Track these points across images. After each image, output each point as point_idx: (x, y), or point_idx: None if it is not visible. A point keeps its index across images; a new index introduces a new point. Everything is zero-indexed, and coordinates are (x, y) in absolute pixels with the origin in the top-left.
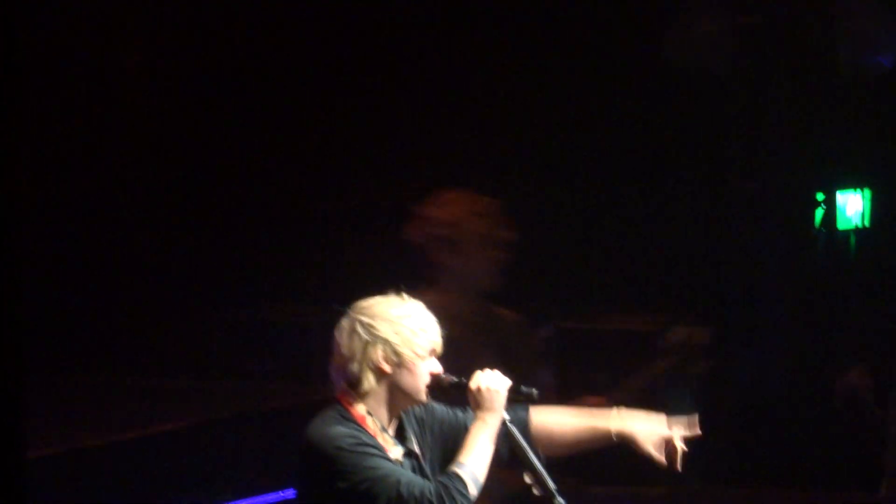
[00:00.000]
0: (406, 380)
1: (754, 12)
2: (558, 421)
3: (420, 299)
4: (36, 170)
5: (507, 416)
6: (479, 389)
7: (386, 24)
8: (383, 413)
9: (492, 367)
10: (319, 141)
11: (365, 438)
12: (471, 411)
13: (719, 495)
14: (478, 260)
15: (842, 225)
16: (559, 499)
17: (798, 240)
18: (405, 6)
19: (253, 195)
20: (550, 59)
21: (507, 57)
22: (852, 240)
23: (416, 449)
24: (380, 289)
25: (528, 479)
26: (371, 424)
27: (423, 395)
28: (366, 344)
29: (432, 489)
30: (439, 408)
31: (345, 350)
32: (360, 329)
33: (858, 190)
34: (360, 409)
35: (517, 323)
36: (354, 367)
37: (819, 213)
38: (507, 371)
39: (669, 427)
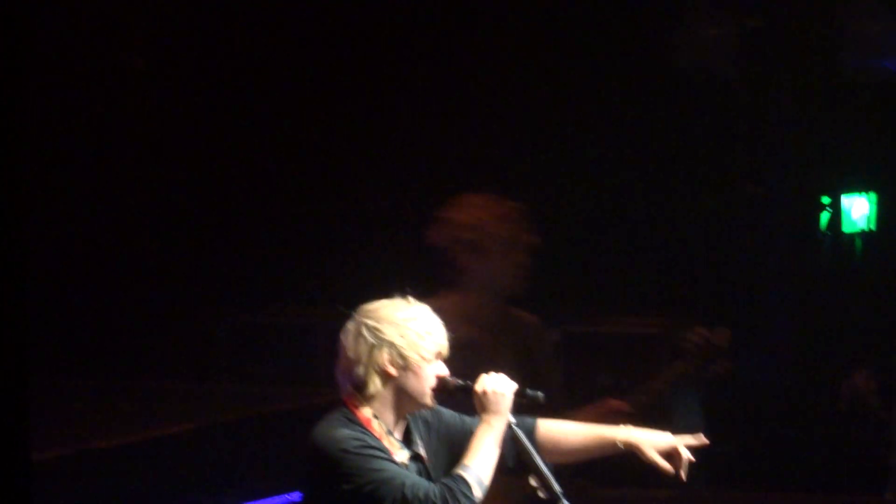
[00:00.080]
0: (412, 383)
1: (759, 16)
2: (564, 429)
3: (443, 302)
4: (41, 173)
5: (512, 420)
6: (484, 392)
7: (393, 23)
8: (389, 416)
9: (513, 370)
10: (323, 143)
11: (370, 441)
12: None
13: (725, 498)
14: (501, 263)
15: (847, 228)
16: (564, 502)
17: (804, 243)
18: (419, 8)
19: (258, 198)
20: (556, 64)
21: (512, 61)
22: (858, 243)
23: (423, 452)
24: (386, 292)
25: (533, 483)
26: (377, 427)
27: (428, 399)
28: (371, 347)
29: (437, 491)
30: (447, 411)
31: (350, 353)
32: (365, 332)
33: (864, 193)
34: (365, 412)
35: (535, 325)
36: (360, 370)
37: (825, 217)
38: (527, 374)
39: (675, 438)
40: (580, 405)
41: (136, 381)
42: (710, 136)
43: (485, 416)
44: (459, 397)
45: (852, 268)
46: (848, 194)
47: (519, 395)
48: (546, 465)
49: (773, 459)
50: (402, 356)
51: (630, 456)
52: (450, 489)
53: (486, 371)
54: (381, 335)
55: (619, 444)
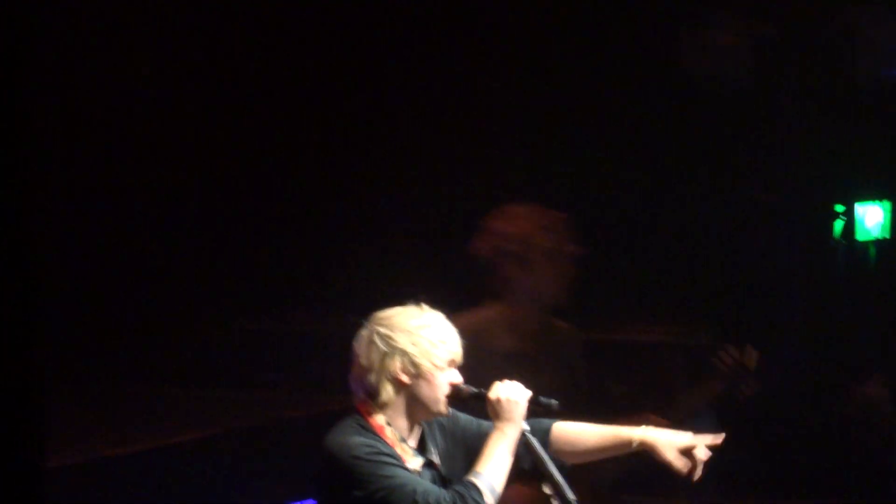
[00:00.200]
0: (424, 391)
1: (773, 24)
2: (579, 429)
3: (488, 312)
4: (48, 180)
5: (526, 428)
6: (498, 400)
7: (407, 29)
8: (402, 423)
9: (554, 381)
10: (335, 149)
11: (382, 448)
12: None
13: None
14: (546, 274)
15: (861, 236)
16: None
17: (817, 251)
18: (431, 11)
19: (268, 203)
20: (567, 70)
21: (522, 67)
22: (872, 251)
23: (436, 459)
24: (399, 299)
25: (547, 491)
26: (389, 434)
27: (441, 406)
28: (384, 355)
29: (448, 498)
30: (463, 416)
31: (363, 361)
32: (378, 340)
33: (878, 201)
34: (378, 419)
35: (573, 334)
36: (373, 377)
37: (838, 225)
38: (567, 384)
39: (692, 438)
40: (612, 416)
41: (146, 389)
42: (723, 143)
43: (498, 424)
44: (473, 405)
45: (866, 276)
46: (862, 202)
47: (533, 403)
48: (560, 471)
49: (786, 467)
50: (414, 364)
51: (644, 457)
52: (461, 496)
53: (530, 382)
54: (393, 343)
55: (634, 444)
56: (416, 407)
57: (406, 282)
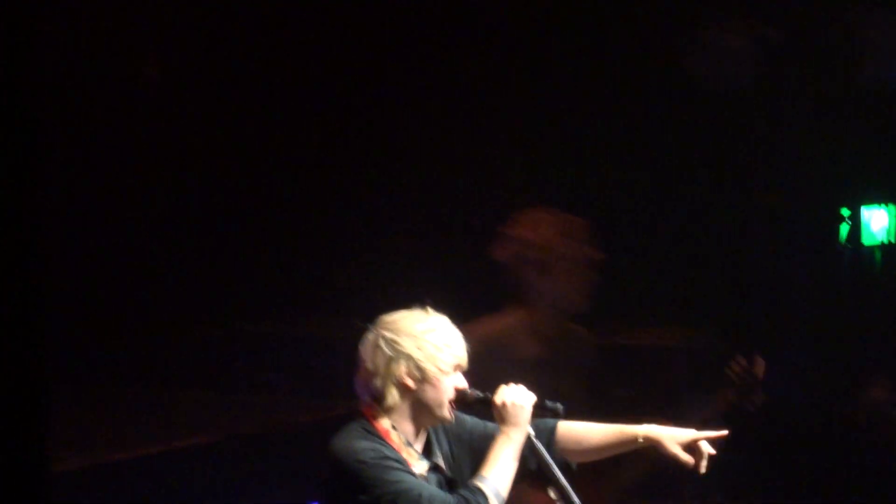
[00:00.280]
0: (430, 395)
1: (777, 27)
2: (586, 427)
3: (509, 318)
4: (52, 182)
5: (532, 432)
6: (503, 405)
7: (413, 34)
8: (408, 427)
9: (574, 387)
10: (338, 151)
11: (387, 452)
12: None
13: None
14: (567, 281)
15: (867, 240)
16: None
17: (823, 255)
18: (441, 16)
19: (274, 206)
20: (573, 74)
21: (527, 69)
22: (877, 255)
23: (442, 464)
24: (405, 302)
25: (552, 495)
26: (395, 438)
27: (446, 411)
28: (389, 359)
29: (454, 502)
30: (469, 419)
31: (369, 365)
32: (383, 344)
33: (884, 205)
34: (384, 423)
35: (589, 339)
36: (378, 382)
37: (844, 229)
38: (586, 389)
39: (696, 432)
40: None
41: (150, 392)
42: (728, 146)
43: (504, 428)
44: (479, 409)
45: (872, 280)
46: (868, 206)
47: (539, 407)
48: (566, 472)
49: (790, 471)
50: (419, 368)
51: (650, 452)
52: (467, 501)
53: (552, 389)
54: (398, 347)
55: (640, 440)
56: (421, 411)
57: (411, 284)
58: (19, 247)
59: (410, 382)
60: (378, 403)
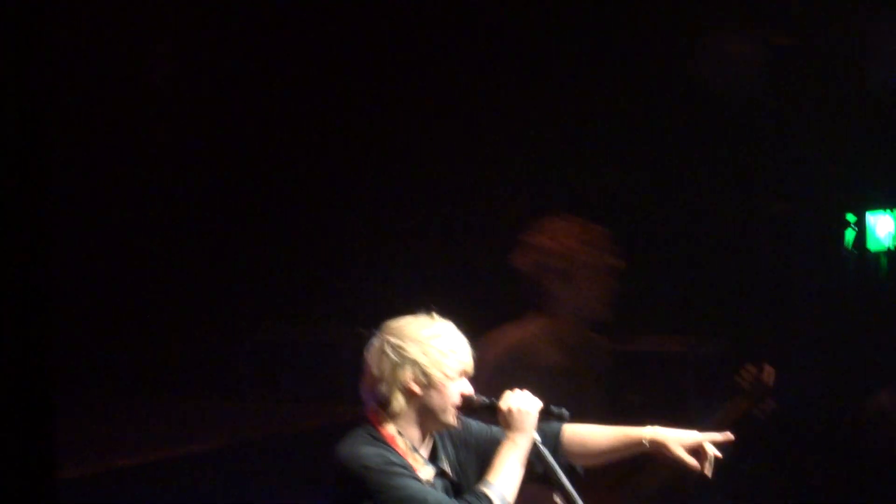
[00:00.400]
0: (436, 401)
1: (786, 33)
2: (591, 431)
3: (531, 326)
4: (61, 193)
5: (537, 438)
6: (509, 410)
7: (421, 42)
8: (414, 433)
9: (595, 395)
10: (349, 161)
11: (393, 458)
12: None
13: None
14: (589, 290)
15: (872, 246)
16: None
17: (829, 261)
18: (453, 23)
19: (283, 215)
20: (582, 82)
21: (539, 79)
22: (883, 261)
23: (448, 469)
24: (410, 308)
25: (558, 500)
26: (401, 444)
27: (452, 417)
28: (395, 365)
29: None
30: (475, 424)
31: (374, 370)
32: (388, 350)
33: (889, 211)
34: (390, 428)
35: (607, 347)
36: (384, 387)
37: (850, 235)
38: (606, 397)
39: (701, 435)
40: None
41: (163, 400)
42: (735, 152)
43: (509, 434)
44: (485, 415)
45: (877, 286)
46: (873, 212)
47: (544, 413)
48: (571, 476)
49: (797, 477)
50: (425, 374)
51: (655, 455)
52: None
53: (575, 398)
54: (404, 353)
55: (645, 443)
56: (427, 417)
57: (418, 288)
58: (26, 254)
59: (416, 388)
60: (384, 409)
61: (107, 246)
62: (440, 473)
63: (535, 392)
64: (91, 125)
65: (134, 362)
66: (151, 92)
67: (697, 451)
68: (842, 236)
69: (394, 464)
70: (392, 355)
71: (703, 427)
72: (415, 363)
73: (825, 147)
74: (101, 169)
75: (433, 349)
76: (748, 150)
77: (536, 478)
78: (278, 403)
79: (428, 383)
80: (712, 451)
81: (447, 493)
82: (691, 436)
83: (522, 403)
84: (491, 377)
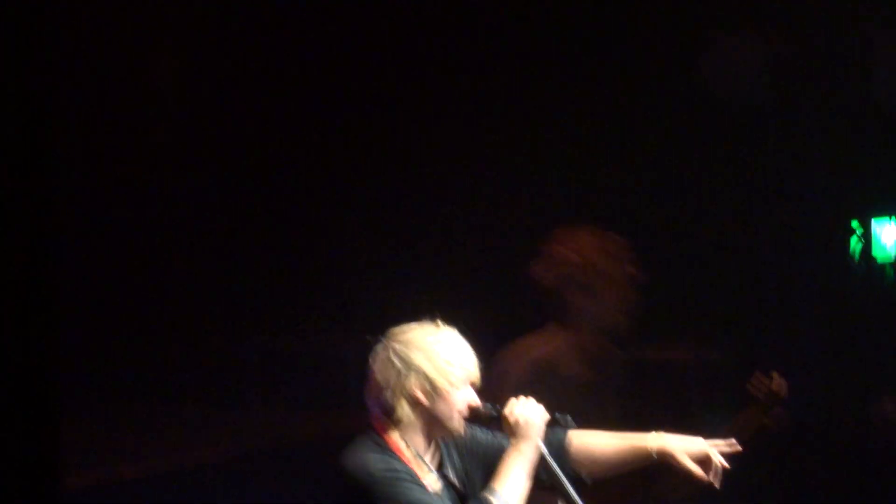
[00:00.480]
0: (440, 409)
1: (791, 39)
2: (598, 441)
3: (553, 337)
4: (67, 200)
5: (543, 448)
6: (515, 419)
7: (437, 40)
8: (419, 441)
9: (614, 406)
10: (352, 167)
11: (398, 466)
12: None
13: None
14: (609, 301)
15: (878, 254)
16: None
17: (833, 269)
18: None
19: (286, 223)
20: (585, 85)
21: (542, 83)
22: (889, 271)
23: (454, 477)
24: (415, 314)
25: None
26: (406, 452)
27: (457, 424)
28: (399, 373)
29: None
30: (480, 432)
31: (379, 378)
32: (394, 357)
33: (894, 219)
34: (394, 436)
35: (621, 357)
36: (388, 395)
37: (855, 243)
38: (622, 407)
39: (707, 444)
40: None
41: (166, 410)
42: (739, 160)
43: (515, 442)
44: (490, 423)
45: (883, 294)
46: (879, 220)
47: (550, 422)
48: (583, 484)
49: (803, 485)
50: (430, 382)
51: (663, 467)
52: None
53: (599, 410)
54: (409, 360)
55: (653, 455)
56: (432, 425)
57: (421, 294)
58: (33, 261)
59: (421, 396)
60: (389, 417)
61: (108, 260)
62: (445, 482)
63: (560, 405)
64: (96, 130)
65: (138, 369)
66: (156, 95)
67: (704, 461)
68: (847, 245)
69: (399, 472)
70: (397, 363)
71: (711, 436)
72: (420, 371)
73: (830, 153)
74: (110, 175)
75: (438, 357)
76: (753, 157)
77: (542, 487)
78: (282, 413)
79: (433, 392)
80: (719, 461)
81: (452, 501)
82: (698, 445)
83: (528, 412)
84: (516, 390)
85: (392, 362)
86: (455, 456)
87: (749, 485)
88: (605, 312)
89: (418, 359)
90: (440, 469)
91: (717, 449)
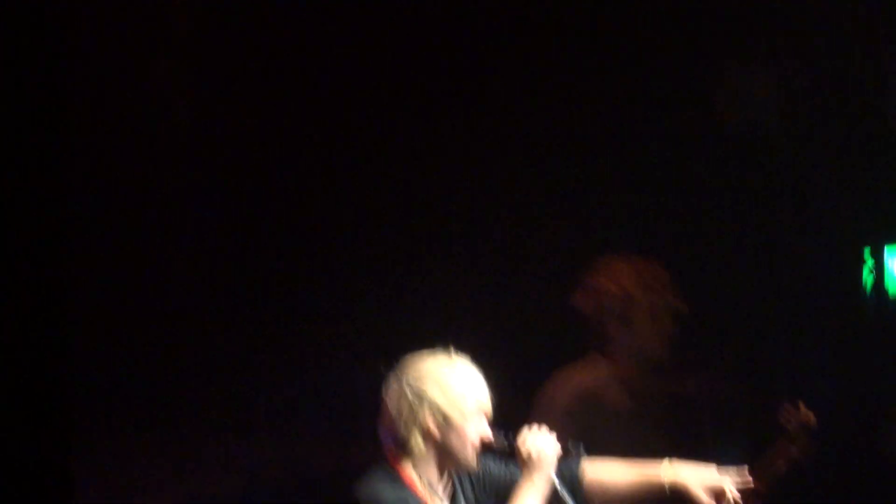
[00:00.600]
0: (453, 441)
1: (804, 66)
2: (611, 474)
3: (594, 367)
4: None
5: (556, 480)
6: (528, 451)
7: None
8: (432, 472)
9: (656, 437)
10: (362, 186)
11: (410, 498)
12: None
13: None
14: (649, 332)
15: (891, 286)
16: None
17: (846, 300)
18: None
19: (300, 244)
20: (595, 109)
21: (554, 101)
22: None
23: None
24: (428, 343)
25: None
26: (418, 484)
27: (470, 455)
28: (412, 405)
29: None
30: (493, 463)
31: (392, 410)
32: (407, 389)
33: None
34: (407, 468)
35: (664, 389)
36: (402, 428)
37: (868, 275)
38: (660, 439)
39: (721, 476)
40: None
41: (178, 440)
42: (750, 188)
43: (527, 473)
44: (503, 455)
45: (894, 322)
46: (891, 249)
47: (563, 454)
48: None
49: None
50: (443, 415)
51: (677, 500)
52: None
53: (644, 441)
54: (422, 393)
55: (667, 487)
56: (445, 458)
57: (433, 322)
58: (48, 285)
59: (434, 428)
60: (402, 449)
61: (117, 275)
62: None
63: (605, 437)
64: (111, 135)
65: (146, 401)
66: (172, 97)
67: (719, 493)
68: (859, 276)
69: None
70: (410, 395)
71: (727, 468)
72: (433, 404)
73: (842, 184)
74: (119, 195)
75: (452, 390)
76: (763, 186)
77: None
78: (296, 442)
79: (446, 424)
80: (733, 493)
81: None
82: (711, 476)
83: (541, 444)
84: (561, 421)
85: (405, 394)
86: (468, 487)
87: None
88: (642, 343)
89: (431, 391)
90: (453, 501)
91: (730, 480)
